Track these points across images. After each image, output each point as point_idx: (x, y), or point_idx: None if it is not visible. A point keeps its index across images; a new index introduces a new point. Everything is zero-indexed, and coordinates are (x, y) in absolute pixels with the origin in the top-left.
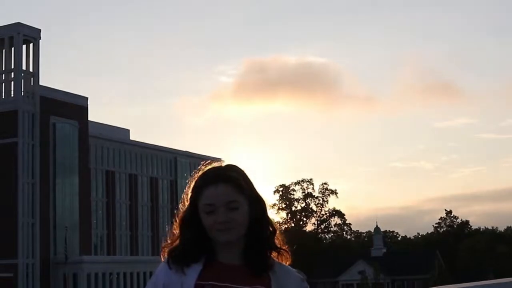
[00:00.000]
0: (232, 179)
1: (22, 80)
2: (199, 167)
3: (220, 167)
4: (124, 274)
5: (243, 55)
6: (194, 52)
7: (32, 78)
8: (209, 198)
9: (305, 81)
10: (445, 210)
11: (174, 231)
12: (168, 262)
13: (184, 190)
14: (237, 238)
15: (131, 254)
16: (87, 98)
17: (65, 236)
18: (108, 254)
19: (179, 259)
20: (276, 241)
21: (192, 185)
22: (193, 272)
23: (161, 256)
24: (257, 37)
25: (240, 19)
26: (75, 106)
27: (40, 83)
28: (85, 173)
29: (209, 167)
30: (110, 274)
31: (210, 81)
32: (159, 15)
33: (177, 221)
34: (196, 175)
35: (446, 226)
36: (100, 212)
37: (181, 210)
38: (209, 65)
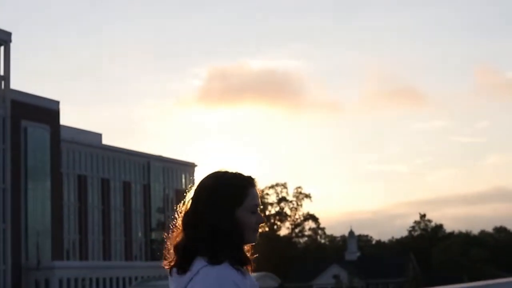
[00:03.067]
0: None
1: None
2: (207, 173)
3: (244, 173)
4: (97, 279)
5: (209, 60)
6: (164, 55)
7: (3, 82)
8: (256, 198)
9: (271, 86)
10: (419, 213)
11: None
12: (237, 267)
13: (197, 193)
14: None
15: (104, 259)
16: (58, 102)
17: (37, 242)
18: (81, 259)
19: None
20: None
21: (233, 185)
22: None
23: (212, 260)
24: (221, 42)
25: (206, 22)
26: (46, 110)
27: (11, 87)
28: (57, 178)
29: (234, 171)
30: (83, 280)
31: (182, 85)
32: (129, 17)
33: (219, 221)
34: (227, 177)
35: (420, 229)
36: (72, 217)
37: (206, 210)
38: (181, 67)
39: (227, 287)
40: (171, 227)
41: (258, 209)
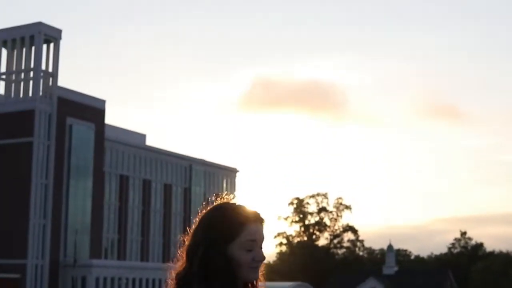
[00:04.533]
0: (263, 220)
1: (41, 80)
2: (213, 202)
3: (247, 207)
4: (134, 280)
5: (254, 66)
6: (211, 59)
7: (50, 79)
8: (253, 234)
9: (315, 96)
10: (460, 231)
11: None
12: None
13: (196, 225)
14: None
15: (142, 260)
16: (104, 101)
17: (75, 239)
18: (118, 258)
19: None
20: None
21: (227, 220)
22: None
23: None
24: (268, 48)
25: (254, 28)
26: (92, 109)
27: (59, 84)
28: (99, 176)
29: (238, 204)
30: (119, 279)
31: (227, 89)
32: (182, 20)
33: (213, 260)
34: (223, 210)
35: (460, 247)
36: (112, 216)
37: (198, 244)
38: (226, 72)
39: None
40: (177, 255)
41: (258, 245)
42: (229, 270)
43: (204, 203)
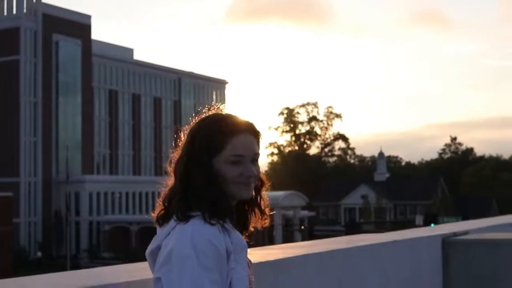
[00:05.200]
0: (258, 132)
1: None
2: (203, 113)
3: (241, 118)
4: (127, 193)
5: None
6: None
7: None
8: (239, 148)
9: (299, 6)
10: (450, 136)
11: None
12: (213, 222)
13: (183, 136)
14: None
15: (134, 174)
16: (90, 16)
17: (67, 156)
18: (111, 173)
19: (226, 216)
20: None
21: (211, 132)
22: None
23: (178, 215)
24: None
25: None
26: (78, 24)
27: (43, 1)
28: (88, 92)
29: (227, 114)
30: (112, 193)
31: (211, 3)
32: None
33: (196, 171)
34: (208, 122)
35: (451, 152)
36: (102, 131)
37: (182, 159)
38: None
39: (201, 246)
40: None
41: (247, 159)
42: (211, 186)
43: (194, 115)
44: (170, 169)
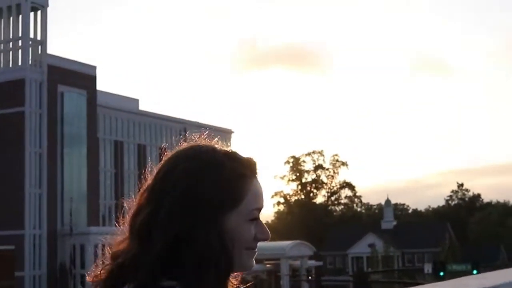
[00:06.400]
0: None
1: (30, 49)
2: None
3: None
4: None
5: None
6: (200, 22)
7: (39, 46)
8: (260, 197)
9: (301, 54)
10: (457, 183)
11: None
12: None
13: (156, 181)
14: None
15: None
16: (95, 67)
17: (71, 208)
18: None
19: None
20: None
21: (226, 172)
22: None
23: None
24: (250, 12)
25: None
26: (83, 75)
27: (48, 52)
28: (93, 143)
29: (225, 149)
30: None
31: (217, 51)
32: None
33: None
34: (210, 158)
35: (458, 199)
36: (108, 182)
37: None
38: (220, 33)
39: None
40: (117, 226)
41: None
42: (227, 255)
43: (160, 149)
44: (122, 223)
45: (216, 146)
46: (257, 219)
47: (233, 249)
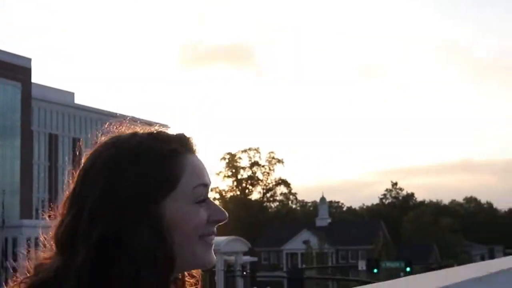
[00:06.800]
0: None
1: None
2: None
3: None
4: None
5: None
6: (140, 15)
7: None
8: (202, 173)
9: (237, 52)
10: (391, 181)
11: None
12: None
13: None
14: None
15: None
16: (30, 59)
17: (3, 200)
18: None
19: None
20: None
21: (152, 152)
22: None
23: None
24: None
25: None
26: (18, 67)
27: None
28: (27, 136)
29: (154, 130)
30: None
31: (155, 47)
32: None
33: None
34: (138, 141)
35: (392, 197)
36: (42, 175)
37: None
38: (155, 33)
39: None
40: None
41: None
42: (160, 256)
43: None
44: (45, 234)
45: (139, 130)
46: (205, 199)
47: (180, 242)
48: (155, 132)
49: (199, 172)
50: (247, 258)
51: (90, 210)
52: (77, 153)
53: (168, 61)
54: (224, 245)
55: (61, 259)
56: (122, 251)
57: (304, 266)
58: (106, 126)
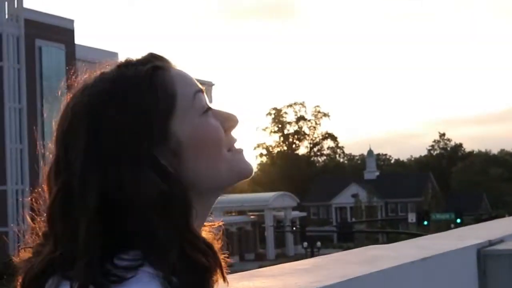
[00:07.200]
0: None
1: (6, 3)
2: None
3: None
4: None
5: None
6: None
7: (15, 0)
8: (191, 80)
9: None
10: (439, 132)
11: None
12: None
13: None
14: None
15: None
16: (73, 21)
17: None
18: None
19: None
20: None
21: (122, 94)
22: None
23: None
24: None
25: None
26: (61, 29)
27: (24, 6)
28: None
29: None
30: None
31: (194, 3)
32: None
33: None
34: (127, 77)
35: (440, 148)
36: None
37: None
38: None
39: None
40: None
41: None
42: (176, 194)
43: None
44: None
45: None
46: (209, 108)
47: (209, 161)
48: (123, 61)
49: (190, 80)
50: (296, 213)
51: (81, 169)
52: None
53: (210, 16)
54: (273, 201)
55: (61, 233)
56: (128, 204)
57: (353, 220)
58: (62, 83)
